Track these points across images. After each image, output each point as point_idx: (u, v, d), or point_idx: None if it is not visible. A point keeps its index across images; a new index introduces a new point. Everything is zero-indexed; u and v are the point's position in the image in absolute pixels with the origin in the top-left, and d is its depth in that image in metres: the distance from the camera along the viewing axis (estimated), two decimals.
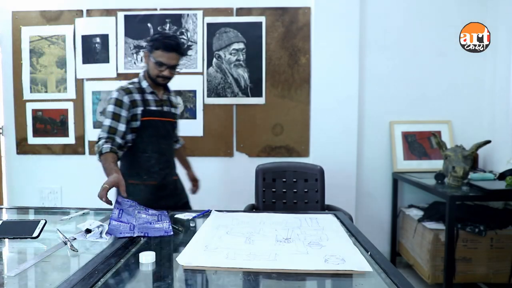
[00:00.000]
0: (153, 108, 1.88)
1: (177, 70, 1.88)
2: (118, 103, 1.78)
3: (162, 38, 1.79)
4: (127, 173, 1.80)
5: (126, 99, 1.80)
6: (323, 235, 1.31)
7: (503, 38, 2.79)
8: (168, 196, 1.94)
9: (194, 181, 2.26)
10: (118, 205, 1.42)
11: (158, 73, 1.82)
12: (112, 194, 1.52)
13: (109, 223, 1.31)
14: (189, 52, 3.00)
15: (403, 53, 3.01)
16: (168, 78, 1.87)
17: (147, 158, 1.87)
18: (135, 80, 1.91)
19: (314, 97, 2.95)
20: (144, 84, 1.88)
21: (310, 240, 1.25)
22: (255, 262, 1.06)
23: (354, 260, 1.08)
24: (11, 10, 3.04)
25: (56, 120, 3.08)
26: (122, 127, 1.78)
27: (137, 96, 1.84)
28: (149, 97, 1.88)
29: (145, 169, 1.87)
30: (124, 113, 1.79)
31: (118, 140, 1.76)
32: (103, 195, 1.42)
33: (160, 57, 1.78)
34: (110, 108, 1.78)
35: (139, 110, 1.83)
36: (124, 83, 1.91)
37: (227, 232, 1.34)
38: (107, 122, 1.76)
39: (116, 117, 1.77)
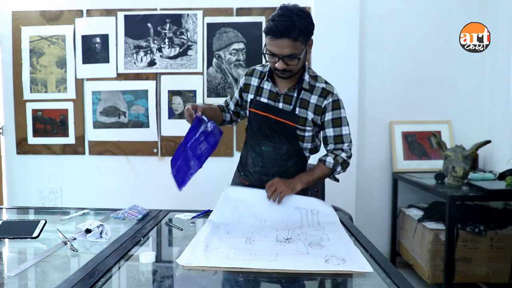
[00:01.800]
0: (263, 100, 1.60)
1: (297, 59, 1.44)
2: (241, 79, 1.71)
3: (271, 20, 1.40)
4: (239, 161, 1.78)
5: (242, 80, 1.69)
6: (323, 235, 1.31)
7: (503, 38, 2.79)
8: None
9: None
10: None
11: (272, 65, 1.49)
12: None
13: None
14: (189, 52, 3.00)
15: (403, 53, 3.01)
16: (287, 72, 1.47)
17: (246, 154, 1.71)
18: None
19: None
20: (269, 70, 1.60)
21: (310, 241, 1.24)
22: (255, 262, 1.05)
23: (355, 260, 1.07)
24: (11, 10, 3.04)
25: (56, 120, 3.08)
26: (231, 104, 1.78)
27: (254, 81, 1.64)
28: (266, 85, 1.61)
29: (243, 165, 1.72)
30: (236, 92, 1.73)
31: (231, 107, 1.78)
32: (187, 114, 1.48)
33: (268, 45, 1.43)
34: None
35: (249, 97, 1.64)
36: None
37: (228, 232, 1.33)
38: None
39: (231, 94, 1.80)
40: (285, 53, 1.41)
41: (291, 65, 1.45)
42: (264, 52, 1.46)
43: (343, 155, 1.58)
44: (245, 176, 1.70)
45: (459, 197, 2.26)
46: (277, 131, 1.58)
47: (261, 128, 1.61)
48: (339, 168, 1.58)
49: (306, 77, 1.56)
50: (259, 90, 1.62)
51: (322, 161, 1.59)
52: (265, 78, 1.61)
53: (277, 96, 1.58)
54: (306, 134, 1.58)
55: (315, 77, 1.59)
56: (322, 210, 1.51)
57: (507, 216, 2.53)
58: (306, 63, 1.58)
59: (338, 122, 1.57)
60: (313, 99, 1.55)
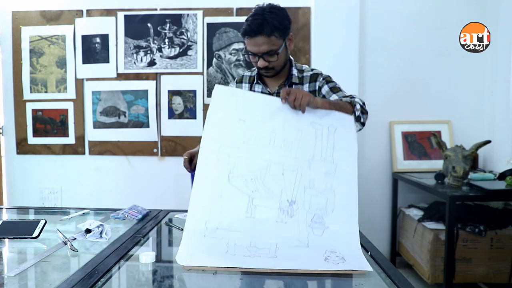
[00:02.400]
0: None
1: (276, 55, 1.45)
2: None
3: (245, 21, 1.44)
4: None
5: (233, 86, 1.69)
6: (330, 193, 1.17)
7: (503, 38, 2.79)
8: None
9: None
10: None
11: (255, 64, 1.51)
12: None
13: None
14: (189, 52, 3.00)
15: (403, 53, 3.01)
16: (270, 69, 1.49)
17: None
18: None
19: None
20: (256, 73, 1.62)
21: (314, 214, 1.14)
22: (255, 260, 1.03)
23: (354, 259, 1.07)
24: (11, 10, 3.04)
25: (56, 120, 3.08)
26: None
27: (245, 87, 1.66)
28: (257, 88, 1.62)
29: None
30: None
31: None
32: (184, 164, 1.50)
33: (247, 45, 1.46)
34: None
35: None
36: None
37: (229, 179, 1.17)
38: None
39: None
40: (263, 50, 1.43)
41: (272, 62, 1.46)
42: (244, 53, 1.48)
43: (357, 99, 1.46)
44: None
45: (459, 197, 2.26)
46: None
47: None
48: (358, 106, 1.42)
49: (294, 71, 1.58)
50: None
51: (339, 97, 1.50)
52: (254, 82, 1.63)
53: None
54: None
55: (301, 70, 1.61)
56: (341, 128, 1.30)
57: (507, 216, 2.52)
58: (292, 58, 1.61)
59: (337, 89, 1.56)
60: (305, 87, 1.58)
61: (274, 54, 1.44)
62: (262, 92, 1.60)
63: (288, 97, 1.28)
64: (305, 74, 1.60)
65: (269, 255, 1.04)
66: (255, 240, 1.07)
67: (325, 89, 1.56)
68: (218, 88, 1.32)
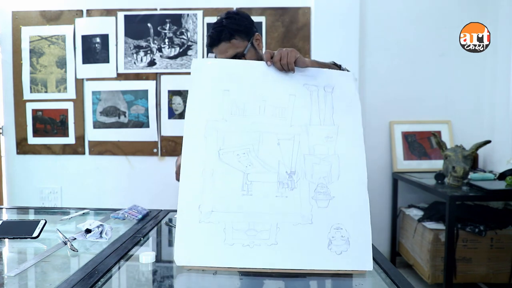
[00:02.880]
0: None
1: (243, 57, 1.46)
2: None
3: (207, 33, 1.46)
4: None
5: None
6: (333, 160, 1.09)
7: (503, 38, 2.79)
8: None
9: None
10: None
11: None
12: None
13: None
14: (189, 52, 3.00)
15: (403, 53, 3.01)
16: None
17: None
18: None
19: None
20: None
21: (317, 184, 1.05)
22: (255, 252, 0.99)
23: (361, 239, 1.01)
24: (11, 10, 3.04)
25: (56, 120, 3.08)
26: None
27: None
28: None
29: None
30: None
31: None
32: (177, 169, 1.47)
33: (216, 55, 1.50)
34: None
35: None
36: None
37: (219, 156, 1.07)
38: None
39: None
40: (229, 55, 1.45)
41: None
42: None
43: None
44: None
45: (459, 197, 2.26)
46: None
47: None
48: (344, 66, 1.44)
49: None
50: None
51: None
52: None
53: None
54: None
55: None
56: (339, 87, 1.19)
57: (507, 216, 2.52)
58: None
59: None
60: None
61: (241, 56, 1.46)
62: None
63: (273, 59, 1.17)
64: None
65: (269, 241, 0.98)
66: (254, 221, 0.99)
67: None
68: (195, 61, 1.21)
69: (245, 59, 1.44)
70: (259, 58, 1.53)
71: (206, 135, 1.10)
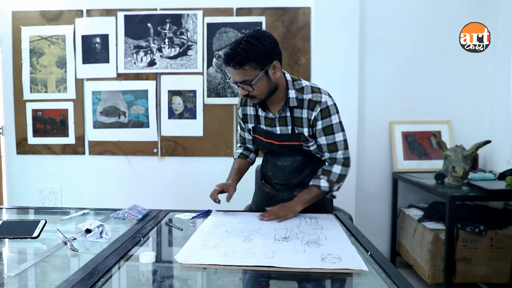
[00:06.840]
0: (263, 127, 1.63)
1: (251, 86, 1.42)
2: (238, 110, 1.72)
3: (225, 48, 1.45)
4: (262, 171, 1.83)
5: (239, 111, 1.71)
6: (321, 234, 1.31)
7: (503, 38, 2.79)
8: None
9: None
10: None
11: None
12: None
13: None
14: (189, 52, 3.00)
15: (403, 53, 3.01)
16: (251, 97, 1.49)
17: (266, 164, 1.77)
18: None
19: None
20: None
21: (308, 239, 1.24)
22: (253, 259, 1.05)
23: (351, 259, 1.08)
24: (11, 10, 3.04)
25: (56, 120, 3.08)
26: (245, 134, 1.76)
27: (250, 110, 1.66)
28: (260, 113, 1.62)
29: (264, 175, 1.81)
30: (241, 122, 1.73)
31: (249, 145, 1.79)
32: (213, 194, 1.57)
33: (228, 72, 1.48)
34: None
35: (250, 125, 1.69)
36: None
37: (227, 231, 1.34)
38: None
39: (239, 125, 1.78)
40: (238, 80, 1.42)
41: (251, 91, 1.44)
42: (228, 80, 1.51)
43: (337, 169, 1.55)
44: (267, 184, 1.78)
45: (459, 197, 2.26)
46: (285, 150, 1.64)
47: (270, 151, 1.69)
48: (335, 188, 1.58)
49: (291, 94, 1.53)
50: (257, 118, 1.65)
51: (316, 186, 1.55)
52: (257, 106, 1.63)
53: (272, 121, 1.59)
54: (312, 147, 1.59)
55: (301, 89, 1.55)
56: (321, 216, 1.55)
57: (507, 216, 2.53)
58: (290, 78, 1.56)
59: (329, 129, 1.54)
60: (304, 113, 1.54)
61: (248, 84, 1.42)
62: (265, 117, 1.61)
63: (269, 215, 1.48)
64: (304, 96, 1.54)
65: (267, 256, 1.09)
66: (252, 249, 1.14)
67: (318, 126, 1.54)
68: (215, 213, 1.59)
69: (253, 88, 1.43)
70: (271, 87, 1.48)
71: (218, 225, 1.42)
